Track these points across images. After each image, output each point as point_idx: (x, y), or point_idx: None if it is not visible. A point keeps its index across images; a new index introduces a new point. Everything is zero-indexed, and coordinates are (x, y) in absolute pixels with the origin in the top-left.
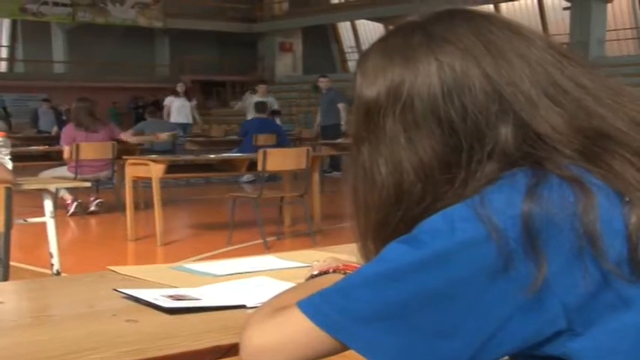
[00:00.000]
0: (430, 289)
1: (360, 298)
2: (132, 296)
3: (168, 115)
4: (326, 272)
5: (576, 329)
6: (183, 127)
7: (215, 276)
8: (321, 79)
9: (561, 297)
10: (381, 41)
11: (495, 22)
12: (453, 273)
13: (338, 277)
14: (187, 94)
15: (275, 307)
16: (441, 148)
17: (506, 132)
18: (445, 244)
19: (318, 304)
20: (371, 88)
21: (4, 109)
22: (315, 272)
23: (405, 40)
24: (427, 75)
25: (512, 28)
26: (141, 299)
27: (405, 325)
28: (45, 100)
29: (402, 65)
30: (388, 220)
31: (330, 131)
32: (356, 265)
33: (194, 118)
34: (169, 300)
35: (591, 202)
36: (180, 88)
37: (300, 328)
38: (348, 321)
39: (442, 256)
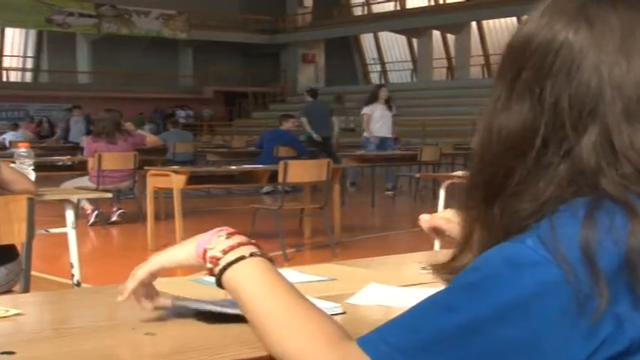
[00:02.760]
0: (507, 341)
1: (436, 353)
2: (194, 308)
3: (367, 126)
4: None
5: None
6: (382, 140)
7: None
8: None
9: (631, 333)
10: None
11: None
12: (529, 323)
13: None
14: (388, 102)
15: (318, 338)
16: (522, 124)
17: (588, 138)
18: (515, 292)
19: (391, 354)
20: (519, 30)
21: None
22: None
23: (566, 3)
24: (551, 41)
25: None
26: (206, 310)
27: None
28: (76, 107)
29: (548, 18)
30: (473, 177)
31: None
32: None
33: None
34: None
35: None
36: (383, 93)
37: None
38: None
39: (516, 306)
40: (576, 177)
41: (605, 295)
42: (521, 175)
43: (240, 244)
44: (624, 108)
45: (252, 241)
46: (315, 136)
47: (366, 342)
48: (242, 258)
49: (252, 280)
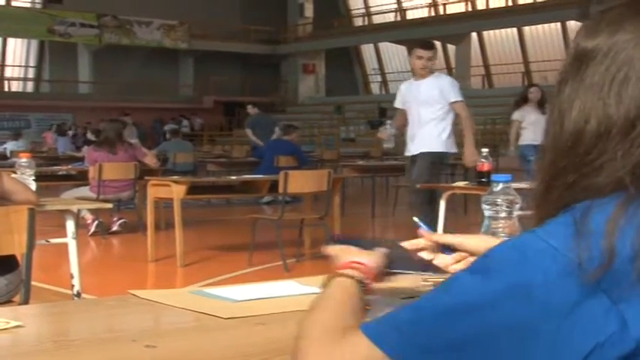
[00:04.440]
0: (505, 325)
1: (431, 329)
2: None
3: (518, 134)
4: (344, 274)
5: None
6: (537, 148)
7: (235, 301)
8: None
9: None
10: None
11: None
12: (530, 309)
13: (350, 282)
14: (542, 104)
15: (329, 328)
16: (632, 108)
17: None
18: (518, 278)
19: (388, 333)
20: (592, 38)
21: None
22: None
23: None
24: None
25: None
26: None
27: (487, 357)
28: (125, 114)
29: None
30: (556, 164)
31: None
32: (367, 263)
33: None
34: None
35: None
36: (534, 94)
37: (369, 356)
38: (421, 353)
39: (517, 289)
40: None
41: (606, 265)
42: (607, 155)
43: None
44: None
45: (355, 263)
46: (261, 144)
47: (367, 326)
48: (341, 275)
49: (330, 289)
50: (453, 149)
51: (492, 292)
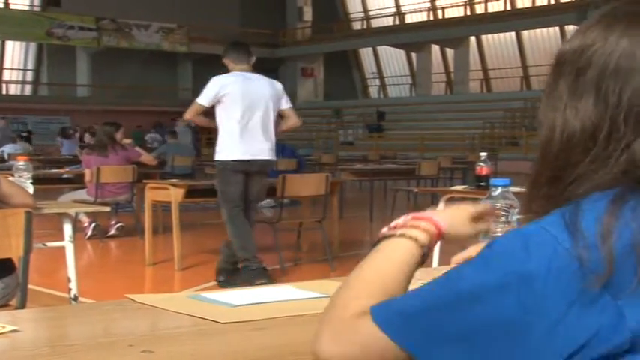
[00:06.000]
0: (502, 313)
1: (436, 319)
2: None
3: None
4: (404, 234)
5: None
6: None
7: (232, 306)
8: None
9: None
10: (614, 2)
11: None
12: (526, 299)
13: (406, 242)
14: None
15: (348, 305)
16: (588, 121)
17: None
18: (519, 267)
19: (394, 319)
20: (570, 42)
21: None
22: (386, 231)
23: (621, 9)
24: (611, 46)
25: None
26: None
27: (481, 349)
28: (174, 119)
29: (601, 30)
30: (536, 172)
31: None
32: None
33: None
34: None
35: None
36: None
37: (375, 343)
38: (428, 340)
39: (517, 279)
40: (630, 170)
41: (607, 273)
42: (583, 167)
43: (403, 226)
44: None
45: (423, 221)
46: None
47: (375, 309)
48: (392, 236)
49: (376, 251)
50: (233, 156)
51: (494, 282)
